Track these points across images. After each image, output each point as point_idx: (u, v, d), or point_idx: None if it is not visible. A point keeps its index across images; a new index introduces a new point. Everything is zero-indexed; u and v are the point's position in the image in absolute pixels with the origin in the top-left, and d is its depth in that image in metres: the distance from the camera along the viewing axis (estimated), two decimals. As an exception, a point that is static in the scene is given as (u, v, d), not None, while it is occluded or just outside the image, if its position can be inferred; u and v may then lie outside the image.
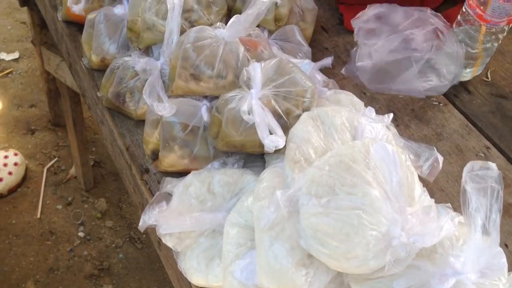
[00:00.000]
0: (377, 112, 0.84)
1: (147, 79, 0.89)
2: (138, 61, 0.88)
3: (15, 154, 2.01)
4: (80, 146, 1.87)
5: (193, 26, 0.93)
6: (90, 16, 0.99)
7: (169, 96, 0.88)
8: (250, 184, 0.77)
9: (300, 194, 0.63)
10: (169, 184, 0.81)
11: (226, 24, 0.84)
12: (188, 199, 0.77)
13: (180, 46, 0.86)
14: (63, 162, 2.11)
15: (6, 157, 1.99)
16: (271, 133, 0.75)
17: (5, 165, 1.96)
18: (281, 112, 0.78)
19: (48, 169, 2.07)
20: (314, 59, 1.01)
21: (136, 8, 0.93)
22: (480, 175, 0.55)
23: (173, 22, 0.86)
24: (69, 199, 1.99)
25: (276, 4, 1.00)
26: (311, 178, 0.63)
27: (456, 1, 1.17)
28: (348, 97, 0.89)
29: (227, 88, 0.86)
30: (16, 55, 2.48)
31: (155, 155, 0.89)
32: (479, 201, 0.54)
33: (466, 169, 0.57)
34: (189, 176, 0.79)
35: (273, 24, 1.00)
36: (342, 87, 1.06)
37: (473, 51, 1.01)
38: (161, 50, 0.91)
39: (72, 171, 2.06)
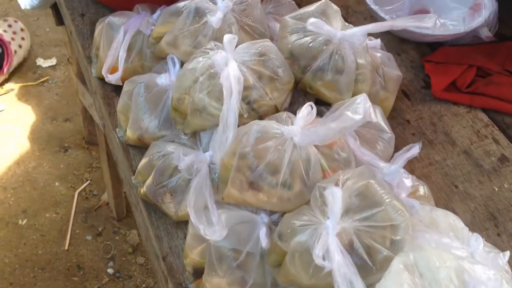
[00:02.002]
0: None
1: (191, 178, 0.72)
2: (182, 159, 0.70)
3: (15, 21, 2.15)
4: (113, 176, 1.72)
5: (252, 108, 0.75)
6: (128, 86, 0.82)
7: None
8: None
9: None
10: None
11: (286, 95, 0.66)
12: None
13: (237, 145, 0.67)
14: (95, 185, 1.97)
15: (10, 25, 2.15)
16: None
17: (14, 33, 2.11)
18: (363, 252, 0.59)
19: (79, 193, 1.94)
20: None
21: (184, 85, 0.75)
22: None
23: (230, 114, 0.67)
24: (100, 229, 1.85)
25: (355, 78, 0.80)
26: None
27: None
28: (448, 219, 0.69)
29: (293, 202, 0.68)
30: (53, 61, 2.34)
31: (197, 273, 0.72)
32: None
33: None
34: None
35: (351, 104, 0.80)
36: (427, 176, 0.86)
37: None
38: (211, 143, 0.73)
39: (104, 197, 1.92)
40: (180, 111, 0.76)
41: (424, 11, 1.07)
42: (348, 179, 0.63)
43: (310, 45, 0.79)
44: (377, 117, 0.82)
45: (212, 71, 0.73)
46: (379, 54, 0.87)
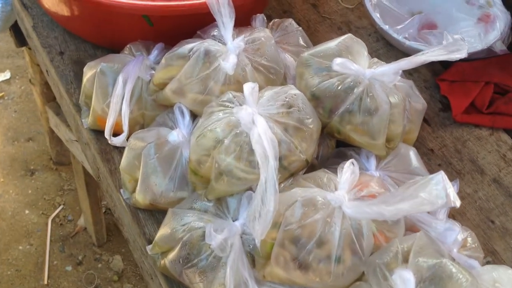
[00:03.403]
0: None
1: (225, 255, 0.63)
2: (214, 237, 0.61)
3: None
4: (92, 202, 1.60)
5: (283, 166, 0.66)
6: (134, 145, 0.72)
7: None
8: None
9: None
10: None
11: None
12: None
13: (278, 217, 0.60)
14: (69, 210, 1.84)
15: None
16: None
17: None
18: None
19: (52, 220, 1.81)
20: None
21: (204, 145, 0.66)
22: None
23: (269, 185, 0.59)
24: (79, 257, 1.73)
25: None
26: None
27: None
28: (510, 276, 0.64)
29: (346, 277, 0.61)
30: (7, 75, 2.16)
31: None
32: None
33: None
34: None
35: (384, 148, 0.73)
36: (461, 213, 0.81)
37: None
38: (246, 215, 0.64)
39: (81, 222, 1.79)
40: (200, 174, 0.67)
41: (431, 25, 1.00)
42: (410, 250, 0.57)
43: (338, 88, 0.71)
44: (412, 161, 0.75)
45: (238, 131, 0.64)
46: (401, 84, 0.80)
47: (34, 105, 2.02)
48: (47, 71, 0.93)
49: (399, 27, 0.94)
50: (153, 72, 0.78)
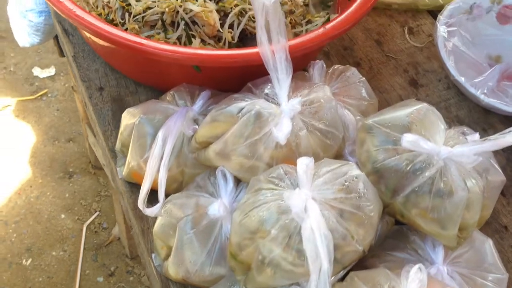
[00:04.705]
0: None
1: None
2: None
3: None
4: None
5: (334, 259, 0.57)
6: (171, 212, 0.64)
7: None
8: None
9: None
10: None
11: None
12: None
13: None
14: (104, 217, 1.80)
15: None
16: None
17: None
18: None
19: (87, 227, 1.78)
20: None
21: (247, 227, 0.57)
22: None
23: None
24: (112, 268, 1.70)
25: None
26: None
27: None
28: None
29: None
30: (52, 71, 2.13)
31: None
32: None
33: None
34: None
35: (455, 239, 0.63)
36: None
37: None
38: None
39: (115, 231, 1.75)
40: (239, 260, 0.59)
41: (512, 76, 0.89)
42: None
43: (407, 168, 0.61)
44: (489, 255, 0.65)
45: (288, 220, 0.56)
46: (480, 159, 0.69)
47: (77, 105, 1.99)
48: (85, 103, 0.87)
49: (476, 80, 0.83)
50: (196, 127, 0.70)
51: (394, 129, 0.64)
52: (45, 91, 2.08)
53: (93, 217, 1.80)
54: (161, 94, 0.83)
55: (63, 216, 1.79)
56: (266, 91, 0.67)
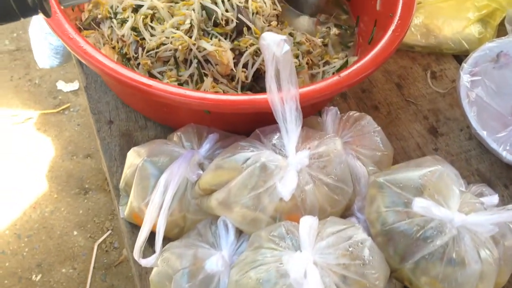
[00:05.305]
0: None
1: None
2: None
3: None
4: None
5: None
6: (168, 261, 0.62)
7: None
8: None
9: None
10: None
11: None
12: None
13: None
14: (116, 236, 1.79)
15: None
16: None
17: None
18: None
19: (99, 245, 1.77)
20: None
21: (243, 287, 0.55)
22: None
23: None
24: (120, 290, 1.69)
25: None
26: None
27: None
28: None
29: None
30: (75, 85, 2.15)
31: None
32: None
33: None
34: None
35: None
36: None
37: None
38: None
39: (126, 251, 1.74)
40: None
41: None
42: None
43: (418, 235, 0.58)
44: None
45: (285, 286, 0.53)
46: (496, 229, 0.65)
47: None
48: (96, 132, 0.86)
49: (500, 135, 0.79)
50: (201, 172, 0.67)
51: (406, 190, 0.60)
52: (67, 105, 2.10)
53: (105, 235, 1.79)
54: (171, 130, 0.81)
55: (75, 233, 1.78)
56: (274, 141, 0.64)
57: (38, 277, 1.70)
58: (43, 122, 2.05)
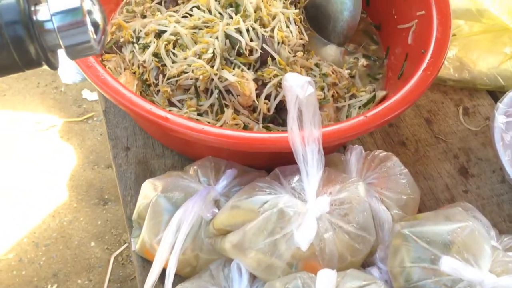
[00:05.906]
0: None
1: None
2: None
3: None
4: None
5: None
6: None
7: None
8: None
9: None
10: None
11: None
12: None
13: None
14: (133, 250, 1.78)
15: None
16: None
17: None
18: None
19: (115, 258, 1.75)
20: None
21: None
22: None
23: None
24: (134, 305, 1.67)
25: None
26: None
27: None
28: None
29: None
30: (100, 95, 2.15)
31: None
32: None
33: None
34: None
35: None
36: None
37: None
38: None
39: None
40: None
41: None
42: None
43: (444, 296, 0.54)
44: None
45: None
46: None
47: (120, 130, 1.99)
48: (112, 157, 0.84)
49: (534, 180, 0.74)
50: (216, 210, 0.65)
51: (433, 245, 0.56)
52: (91, 114, 2.10)
53: (121, 248, 1.77)
54: (188, 160, 0.79)
55: (92, 244, 1.78)
56: (293, 184, 0.61)
57: (54, 287, 1.69)
58: (66, 130, 2.06)
